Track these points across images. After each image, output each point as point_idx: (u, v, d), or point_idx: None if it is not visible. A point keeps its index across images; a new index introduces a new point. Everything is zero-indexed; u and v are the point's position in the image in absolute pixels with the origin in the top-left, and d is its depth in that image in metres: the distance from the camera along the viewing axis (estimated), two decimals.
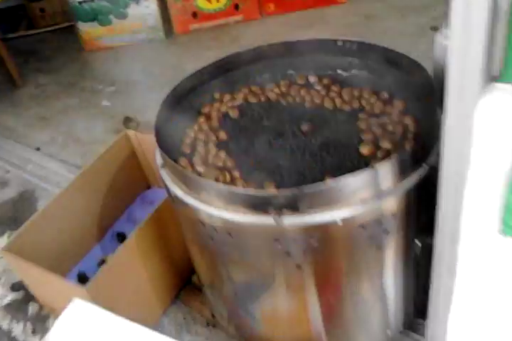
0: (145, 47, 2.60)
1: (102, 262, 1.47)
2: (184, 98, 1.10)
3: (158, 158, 0.98)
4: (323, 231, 0.82)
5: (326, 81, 1.10)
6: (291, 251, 0.85)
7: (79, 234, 1.44)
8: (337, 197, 0.79)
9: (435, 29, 2.33)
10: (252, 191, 0.81)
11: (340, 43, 1.11)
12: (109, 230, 1.56)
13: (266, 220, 0.81)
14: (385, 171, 0.80)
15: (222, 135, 1.01)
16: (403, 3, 2.55)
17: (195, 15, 2.57)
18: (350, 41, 1.10)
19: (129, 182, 1.57)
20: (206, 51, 2.51)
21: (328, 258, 0.87)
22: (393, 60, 1.05)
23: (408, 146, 0.87)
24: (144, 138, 1.48)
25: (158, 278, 1.31)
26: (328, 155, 0.91)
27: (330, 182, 0.77)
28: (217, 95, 1.12)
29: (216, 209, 0.84)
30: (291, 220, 0.80)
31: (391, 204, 0.83)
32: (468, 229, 0.81)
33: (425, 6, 2.49)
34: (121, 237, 1.53)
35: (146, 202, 1.63)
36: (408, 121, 0.94)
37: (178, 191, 0.90)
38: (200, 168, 0.94)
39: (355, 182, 0.78)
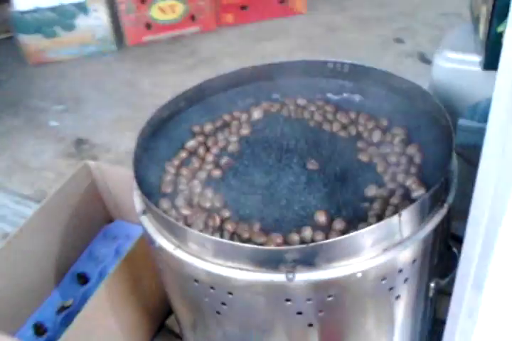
0: (95, 61, 2.41)
1: (62, 309, 1.30)
2: (160, 129, 0.97)
3: (138, 203, 0.84)
4: (342, 286, 0.71)
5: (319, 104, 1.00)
6: (304, 310, 0.73)
7: (35, 279, 1.27)
8: (358, 249, 0.69)
9: (399, 41, 2.30)
10: (261, 247, 0.69)
11: (330, 65, 1.02)
12: (68, 271, 1.39)
13: (276, 278, 0.69)
14: (409, 216, 0.71)
15: (212, 171, 0.88)
16: (364, 15, 2.51)
17: (148, 26, 2.42)
18: (341, 63, 1.01)
19: (89, 216, 1.41)
20: (162, 64, 2.36)
21: (344, 313, 0.76)
22: (390, 83, 0.96)
23: (424, 186, 0.78)
24: (107, 169, 1.33)
25: (130, 328, 1.17)
26: (332, 193, 0.81)
27: (354, 234, 0.67)
28: (196, 127, 0.99)
29: (215, 266, 0.72)
30: (305, 277, 0.69)
31: (413, 250, 0.73)
32: (495, 275, 0.73)
33: (387, 18, 2.46)
34: (82, 279, 1.37)
35: (108, 237, 1.47)
36: (415, 152, 0.85)
37: (166, 244, 0.76)
38: (185, 211, 0.82)
39: (379, 232, 0.68)
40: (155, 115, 0.94)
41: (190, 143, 0.95)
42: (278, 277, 0.69)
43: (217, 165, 0.90)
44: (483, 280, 0.74)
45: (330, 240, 0.66)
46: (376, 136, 0.89)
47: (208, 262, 0.73)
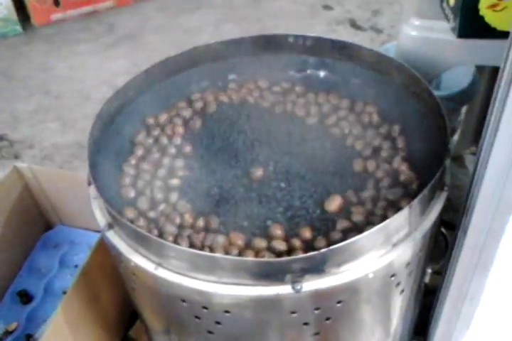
0: (0, 45, 2.14)
1: (6, 334, 1.15)
2: (111, 124, 0.84)
3: (100, 215, 0.72)
4: (352, 289, 0.64)
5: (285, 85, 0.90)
6: (311, 320, 0.66)
7: None
8: (370, 247, 0.62)
9: (328, 8, 2.24)
10: (266, 259, 0.60)
11: (291, 39, 0.92)
12: (7, 290, 1.23)
13: (281, 290, 0.61)
14: (418, 207, 0.65)
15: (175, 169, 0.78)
16: None
17: (57, 3, 2.17)
18: (303, 37, 0.92)
19: (24, 224, 1.24)
20: (77, 45, 2.14)
21: (351, 317, 0.70)
22: (358, 56, 0.89)
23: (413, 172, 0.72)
24: (40, 171, 1.17)
25: None
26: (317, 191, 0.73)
27: (368, 232, 0.59)
28: (150, 119, 0.87)
29: (208, 283, 0.62)
30: (314, 286, 0.61)
31: (419, 241, 0.68)
32: (503, 258, 0.70)
33: None
34: (24, 297, 1.21)
35: (49, 246, 1.31)
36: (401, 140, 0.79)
37: (144, 263, 0.65)
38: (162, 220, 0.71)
39: (392, 226, 0.62)
40: (103, 110, 0.80)
41: (146, 138, 0.83)
42: (284, 289, 0.61)
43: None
44: (490, 264, 0.71)
45: (343, 243, 0.58)
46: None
47: (199, 280, 0.63)
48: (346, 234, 0.66)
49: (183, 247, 0.63)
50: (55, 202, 1.27)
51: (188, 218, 0.71)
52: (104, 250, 0.99)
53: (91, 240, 1.29)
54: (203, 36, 2.11)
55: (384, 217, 0.67)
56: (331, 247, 0.58)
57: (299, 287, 0.60)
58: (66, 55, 2.08)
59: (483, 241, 0.70)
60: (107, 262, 1.02)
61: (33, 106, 1.85)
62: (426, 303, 0.94)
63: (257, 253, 0.65)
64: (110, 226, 0.70)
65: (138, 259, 0.66)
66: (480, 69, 1.19)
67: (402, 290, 0.73)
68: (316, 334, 0.69)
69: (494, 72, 1.30)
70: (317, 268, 0.60)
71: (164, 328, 0.82)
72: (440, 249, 0.93)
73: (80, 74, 1.98)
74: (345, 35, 2.02)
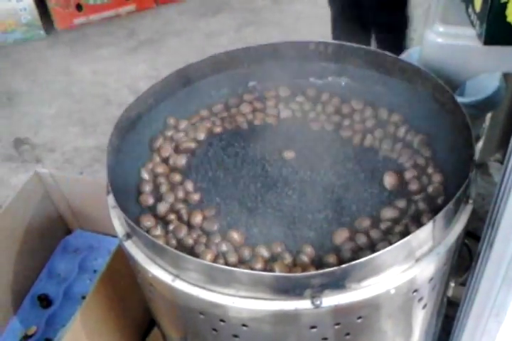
0: (23, 49, 2.18)
1: (26, 338, 1.16)
2: (131, 130, 0.83)
3: (118, 225, 0.71)
4: (373, 305, 0.62)
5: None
6: (330, 335, 0.65)
7: None
8: (392, 263, 0.60)
9: None
10: (286, 274, 0.59)
11: (312, 46, 0.91)
12: (27, 294, 1.24)
13: (300, 305, 0.60)
14: (442, 221, 0.63)
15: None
16: None
17: (79, 7, 2.20)
18: (324, 43, 0.90)
19: (45, 229, 1.25)
20: (99, 49, 2.17)
21: (371, 332, 0.68)
22: (382, 64, 0.87)
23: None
24: (60, 177, 1.17)
25: None
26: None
27: (391, 247, 0.58)
28: (171, 120, 0.87)
29: (226, 296, 0.61)
30: (334, 301, 0.60)
31: (443, 255, 0.66)
32: None
33: None
34: (44, 301, 1.22)
35: (68, 250, 1.32)
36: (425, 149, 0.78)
37: (162, 274, 0.65)
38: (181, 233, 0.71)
39: (415, 241, 0.60)
40: (122, 116, 0.80)
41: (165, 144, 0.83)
42: (303, 304, 0.60)
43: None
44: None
45: (364, 258, 0.57)
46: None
47: (216, 293, 0.62)
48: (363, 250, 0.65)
49: (201, 260, 0.62)
50: (75, 207, 1.28)
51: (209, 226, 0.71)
52: (123, 256, 1.00)
53: (110, 245, 1.30)
54: (224, 40, 2.11)
55: (406, 232, 0.66)
56: (352, 263, 0.57)
57: (318, 302, 0.59)
58: (88, 58, 2.10)
59: (510, 256, 0.68)
60: (126, 268, 1.01)
61: (55, 110, 1.87)
62: (448, 314, 0.92)
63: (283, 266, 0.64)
64: (128, 236, 0.69)
65: (155, 270, 0.65)
66: (506, 75, 1.16)
67: (425, 305, 0.71)
68: None
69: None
70: (337, 283, 0.59)
71: (181, 338, 0.81)
72: (463, 259, 0.91)
73: (102, 78, 2.00)
74: None
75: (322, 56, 0.92)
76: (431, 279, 0.66)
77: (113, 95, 1.92)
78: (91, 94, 1.94)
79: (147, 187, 0.79)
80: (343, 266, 0.57)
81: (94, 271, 1.27)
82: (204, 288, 0.62)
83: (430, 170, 0.75)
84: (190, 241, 0.70)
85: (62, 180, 1.18)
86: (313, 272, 0.57)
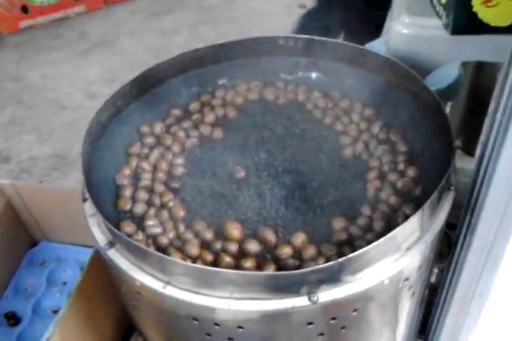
0: None
1: None
2: (102, 136, 0.80)
3: (98, 233, 0.68)
4: (368, 297, 0.62)
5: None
6: (326, 330, 0.64)
7: None
8: (385, 253, 0.60)
9: (303, 6, 2.23)
10: (282, 272, 0.58)
11: (281, 41, 0.90)
12: None
13: (298, 302, 0.59)
14: (429, 209, 0.63)
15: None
16: None
17: (25, 9, 2.11)
18: (293, 38, 0.90)
19: (8, 242, 1.19)
20: (49, 52, 2.09)
21: (366, 324, 0.68)
22: (351, 57, 0.87)
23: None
24: (22, 187, 1.12)
25: None
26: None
27: (386, 237, 0.58)
28: (144, 128, 0.84)
29: (220, 300, 0.60)
30: (330, 296, 0.59)
31: (430, 243, 0.67)
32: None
33: None
34: (12, 319, 1.16)
35: (35, 263, 1.26)
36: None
37: (151, 282, 0.62)
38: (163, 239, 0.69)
39: (407, 229, 0.60)
40: (93, 121, 0.76)
41: (141, 149, 0.81)
42: (300, 301, 0.59)
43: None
44: (499, 262, 0.70)
45: (360, 251, 0.56)
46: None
47: (210, 296, 0.60)
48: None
49: (195, 264, 0.60)
50: (39, 218, 1.22)
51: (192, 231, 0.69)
52: (97, 266, 0.96)
53: (79, 255, 1.25)
54: (179, 38, 2.07)
55: (388, 224, 0.67)
56: (348, 256, 0.56)
57: (315, 298, 0.59)
58: (38, 63, 2.02)
59: (492, 240, 0.69)
60: (100, 279, 0.98)
61: (7, 118, 1.79)
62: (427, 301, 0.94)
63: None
64: (111, 244, 0.66)
65: (144, 278, 0.63)
66: (464, 64, 1.19)
67: (413, 293, 0.72)
68: None
69: (478, 66, 1.31)
70: (333, 277, 0.58)
71: None
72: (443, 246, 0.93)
73: (54, 82, 1.93)
74: None
75: (292, 51, 0.91)
76: (420, 267, 0.67)
77: (67, 100, 1.85)
78: (44, 99, 1.87)
79: (124, 193, 0.76)
80: (340, 260, 0.56)
81: (64, 283, 1.22)
82: (197, 292, 0.61)
83: (404, 164, 0.76)
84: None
85: (24, 190, 1.13)
86: (310, 268, 0.56)
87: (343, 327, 0.65)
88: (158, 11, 2.25)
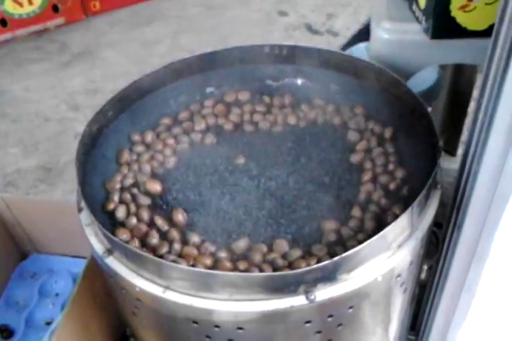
0: None
1: None
2: (93, 146, 0.81)
3: (96, 242, 0.69)
4: (362, 294, 0.64)
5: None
6: (324, 328, 0.66)
7: None
8: (378, 251, 0.63)
9: (283, 14, 2.26)
10: (280, 272, 0.60)
11: (267, 49, 0.92)
12: None
13: (295, 302, 0.60)
14: (418, 207, 0.66)
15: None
16: None
17: (3, 22, 2.10)
18: (279, 46, 0.92)
19: None
20: (29, 65, 2.08)
21: (361, 321, 0.70)
22: (335, 62, 0.90)
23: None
24: (12, 200, 1.12)
25: None
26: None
27: (380, 235, 0.60)
28: (135, 136, 0.85)
29: (220, 302, 0.61)
30: (327, 294, 0.61)
31: (420, 240, 0.69)
32: (496, 250, 0.72)
33: None
34: (4, 332, 1.15)
35: (25, 276, 1.26)
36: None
37: (151, 287, 0.63)
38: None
39: (398, 227, 0.63)
40: (85, 132, 0.77)
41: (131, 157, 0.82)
42: (298, 300, 0.60)
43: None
44: (486, 256, 0.73)
45: (355, 249, 0.58)
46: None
47: (210, 299, 0.61)
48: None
49: (196, 268, 0.61)
50: (30, 231, 1.22)
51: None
52: (91, 276, 0.97)
53: (70, 266, 1.25)
54: (161, 48, 2.09)
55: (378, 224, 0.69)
56: (343, 254, 0.58)
57: (312, 297, 0.60)
58: (20, 76, 2.01)
59: (479, 235, 0.72)
60: (94, 288, 0.99)
61: None
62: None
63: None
64: (109, 252, 0.67)
65: (143, 284, 0.64)
66: (443, 67, 1.23)
67: (406, 289, 0.74)
68: None
69: (456, 69, 1.34)
70: (329, 276, 0.60)
71: None
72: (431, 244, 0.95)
73: (36, 95, 1.92)
74: (302, 39, 2.05)
75: (277, 59, 0.93)
76: (411, 263, 0.69)
77: (51, 112, 1.85)
78: (26, 112, 1.86)
79: (115, 200, 0.77)
80: (335, 258, 0.58)
81: (56, 295, 1.22)
82: (196, 295, 0.62)
83: (393, 165, 0.78)
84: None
85: (14, 203, 1.12)
86: (308, 267, 0.58)
87: (339, 325, 0.67)
88: (138, 22, 2.26)
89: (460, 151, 1.42)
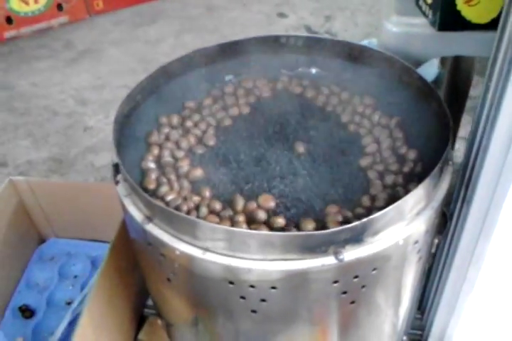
0: None
1: None
2: (125, 125, 0.87)
3: (135, 210, 0.74)
4: (385, 256, 0.70)
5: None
6: (349, 288, 0.72)
7: None
8: (399, 217, 0.69)
9: (283, 16, 2.34)
10: (314, 232, 0.65)
11: (283, 40, 0.99)
12: (7, 306, 1.21)
13: (326, 261, 0.67)
14: (433, 179, 0.72)
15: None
16: None
17: (9, 20, 2.15)
18: (294, 36, 0.99)
19: (19, 239, 1.23)
20: (36, 62, 2.12)
21: (382, 283, 0.76)
22: (347, 52, 0.97)
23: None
24: (37, 184, 1.16)
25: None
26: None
27: (399, 202, 0.66)
28: (163, 119, 0.91)
29: (257, 262, 0.67)
30: (354, 255, 0.67)
31: (435, 209, 0.75)
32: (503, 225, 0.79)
33: None
34: (26, 312, 1.20)
35: (44, 259, 1.31)
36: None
37: (191, 250, 0.69)
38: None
39: (418, 195, 0.69)
40: (118, 112, 0.83)
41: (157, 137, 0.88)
42: (328, 260, 0.67)
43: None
44: (492, 230, 0.79)
45: (380, 212, 0.65)
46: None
47: (248, 260, 0.67)
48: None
49: (237, 228, 0.67)
50: (49, 215, 1.27)
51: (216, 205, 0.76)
52: (117, 255, 1.01)
53: (87, 250, 1.30)
54: (164, 47, 2.15)
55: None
56: (370, 217, 0.64)
57: (341, 257, 0.66)
58: (26, 72, 2.05)
59: (486, 210, 0.79)
60: (119, 267, 1.04)
61: (0, 125, 1.81)
62: None
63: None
64: (149, 219, 0.73)
65: (184, 247, 0.69)
66: (442, 62, 1.30)
67: (420, 258, 0.80)
68: (352, 302, 0.75)
69: (454, 66, 1.42)
70: (357, 238, 0.66)
71: (193, 318, 0.85)
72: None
73: (44, 90, 1.97)
74: None
75: (292, 49, 1.00)
76: (426, 232, 0.76)
77: (59, 106, 1.90)
78: (35, 106, 1.90)
79: (150, 175, 0.83)
80: (364, 219, 0.64)
81: (75, 277, 1.27)
82: (235, 256, 0.67)
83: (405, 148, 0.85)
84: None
85: (38, 187, 1.17)
86: (339, 228, 0.64)
87: (363, 286, 0.73)
88: (141, 22, 2.32)
89: (457, 146, 1.49)
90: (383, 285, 0.76)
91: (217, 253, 0.68)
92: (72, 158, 1.67)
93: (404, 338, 1.02)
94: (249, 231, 0.65)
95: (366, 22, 2.17)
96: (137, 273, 1.11)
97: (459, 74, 1.43)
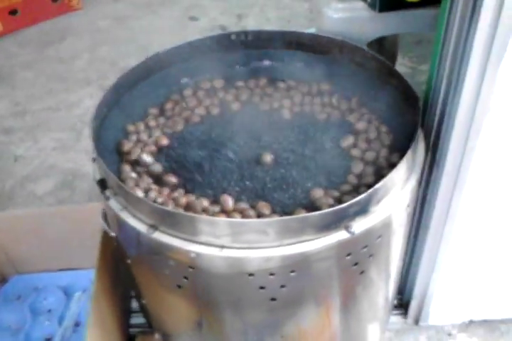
0: None
1: None
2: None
3: (136, 223, 0.73)
4: (387, 223, 0.75)
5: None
6: (359, 259, 0.75)
7: None
8: (395, 182, 0.73)
9: (194, 19, 2.35)
10: (328, 209, 0.67)
11: (233, 37, 1.00)
12: None
13: (340, 236, 0.69)
14: (415, 146, 0.77)
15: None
16: (145, 0, 2.45)
17: None
18: (244, 32, 1.00)
19: None
20: None
21: (385, 250, 0.80)
22: (297, 42, 1.00)
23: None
24: None
25: None
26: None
27: (395, 169, 0.71)
28: (131, 127, 0.90)
29: (275, 249, 0.68)
30: (362, 226, 0.71)
31: (418, 174, 0.80)
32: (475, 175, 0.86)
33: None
34: None
35: (11, 299, 1.23)
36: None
37: (207, 250, 0.69)
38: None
39: (407, 164, 0.74)
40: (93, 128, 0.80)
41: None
42: (341, 235, 0.69)
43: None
44: (463, 183, 0.86)
45: (384, 180, 0.69)
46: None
47: (265, 248, 0.68)
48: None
49: (254, 219, 0.68)
50: (8, 250, 1.19)
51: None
52: (103, 276, 0.97)
53: (55, 280, 1.23)
54: (80, 63, 2.07)
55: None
56: (376, 186, 0.68)
57: (352, 230, 0.69)
58: None
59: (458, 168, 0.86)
60: (109, 289, 1.00)
61: None
62: None
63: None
64: (155, 227, 0.71)
65: (199, 248, 0.69)
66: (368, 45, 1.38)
67: (409, 221, 0.86)
68: (362, 273, 0.78)
69: (379, 43, 1.51)
70: (364, 209, 0.70)
71: (197, 323, 0.85)
72: None
73: None
74: None
75: (243, 45, 1.02)
76: (414, 200, 0.81)
77: None
78: None
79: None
80: (370, 190, 0.68)
81: (49, 311, 1.20)
82: (252, 247, 0.68)
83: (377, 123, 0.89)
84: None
85: None
86: (351, 201, 0.67)
87: (370, 255, 0.76)
88: (50, 40, 2.21)
89: None
90: (386, 251, 0.81)
91: (235, 247, 0.69)
92: (8, 190, 1.57)
93: (395, 302, 1.08)
94: (267, 220, 0.66)
95: (277, 16, 2.23)
96: (119, 293, 1.08)
97: (384, 55, 1.52)
